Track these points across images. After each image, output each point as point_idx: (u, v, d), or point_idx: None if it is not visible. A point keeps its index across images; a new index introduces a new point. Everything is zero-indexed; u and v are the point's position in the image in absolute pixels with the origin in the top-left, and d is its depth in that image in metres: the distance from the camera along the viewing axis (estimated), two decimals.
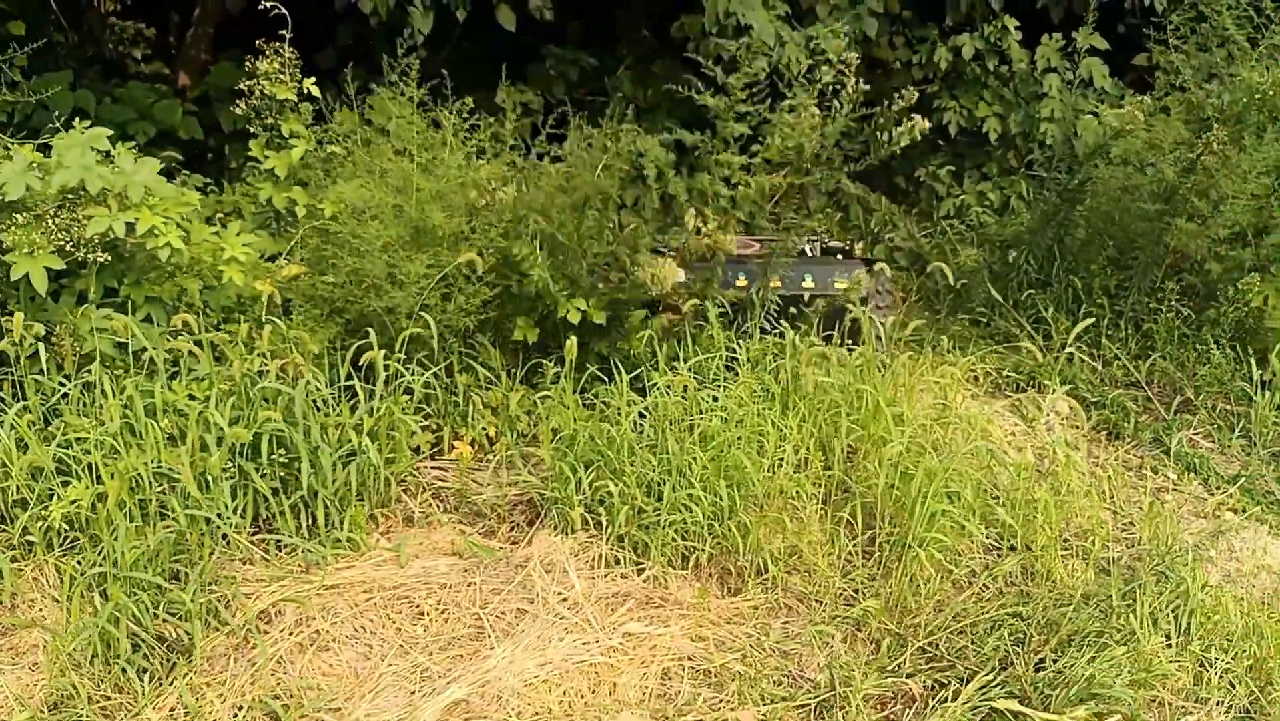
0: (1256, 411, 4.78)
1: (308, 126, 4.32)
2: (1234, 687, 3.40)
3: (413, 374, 4.07)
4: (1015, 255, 6.03)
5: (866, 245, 7.08)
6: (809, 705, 3.35)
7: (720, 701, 3.28)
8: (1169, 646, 3.50)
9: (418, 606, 3.41)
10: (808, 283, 5.15)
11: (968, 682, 3.31)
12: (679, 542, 3.75)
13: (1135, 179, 5.35)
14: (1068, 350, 5.46)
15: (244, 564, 3.53)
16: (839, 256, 5.60)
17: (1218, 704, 3.36)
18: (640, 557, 3.76)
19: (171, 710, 3.04)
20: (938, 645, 3.50)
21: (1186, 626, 3.56)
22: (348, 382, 3.96)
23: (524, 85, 6.86)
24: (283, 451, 3.64)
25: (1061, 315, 5.62)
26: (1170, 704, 3.36)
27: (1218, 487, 4.58)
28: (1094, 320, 5.52)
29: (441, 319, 4.20)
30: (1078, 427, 5.04)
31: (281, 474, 3.66)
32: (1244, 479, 4.60)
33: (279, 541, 3.60)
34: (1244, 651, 3.50)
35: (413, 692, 3.17)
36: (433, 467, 4.17)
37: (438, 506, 3.97)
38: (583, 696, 3.25)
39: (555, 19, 6.14)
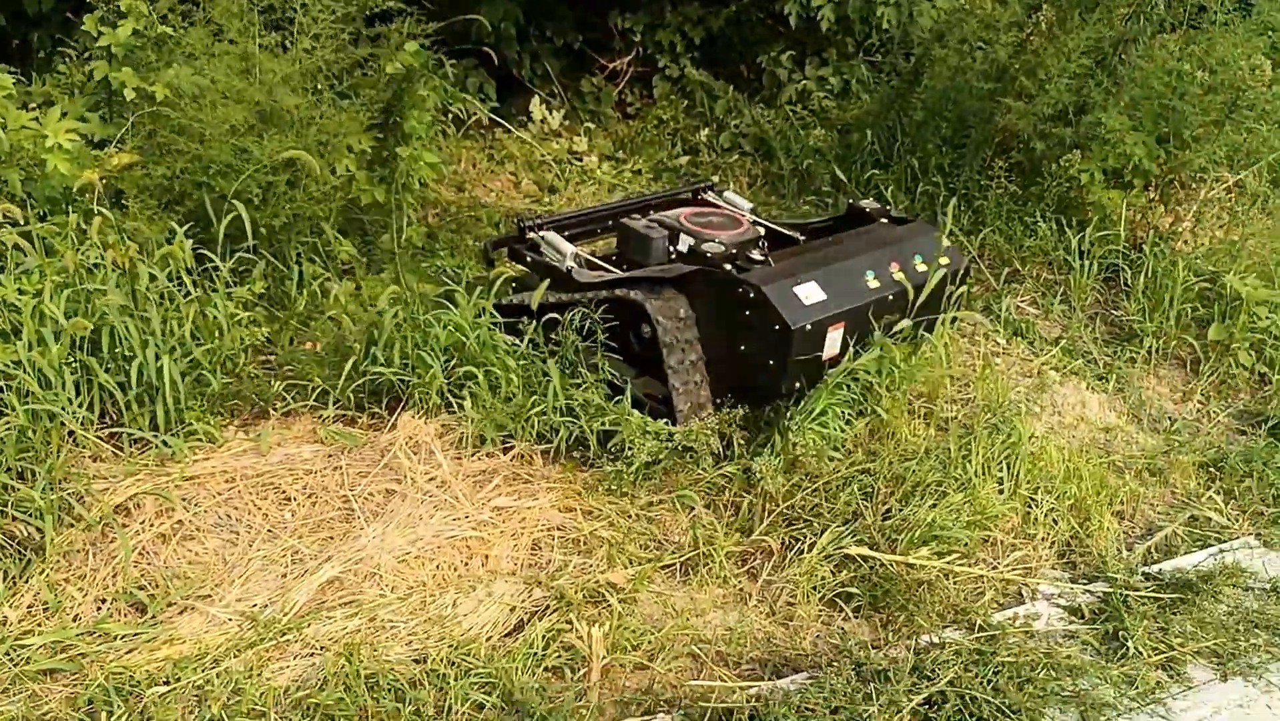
0: (1075, 279, 5.11)
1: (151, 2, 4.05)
2: (1057, 524, 3.71)
3: (258, 266, 3.96)
4: (857, 137, 6.20)
5: (712, 132, 7.15)
6: (675, 564, 3.50)
7: (590, 566, 3.40)
8: (1001, 492, 3.78)
9: (283, 492, 3.39)
10: (920, 265, 4.15)
11: (822, 535, 3.52)
12: (544, 423, 3.80)
13: (969, 61, 5.55)
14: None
15: (95, 460, 3.42)
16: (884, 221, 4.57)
17: (1043, 539, 3.67)
18: (511, 434, 3.80)
19: (30, 607, 2.96)
20: (794, 506, 3.68)
21: (1016, 473, 3.84)
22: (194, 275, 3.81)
23: None
24: (127, 346, 3.50)
25: (900, 193, 5.83)
26: (1002, 541, 3.65)
27: (1042, 349, 4.90)
28: (929, 197, 5.78)
29: (290, 207, 4.08)
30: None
31: (126, 368, 3.53)
32: (1064, 340, 4.94)
33: (131, 436, 3.50)
34: (1066, 493, 3.81)
35: (284, 575, 3.17)
36: (286, 360, 4.08)
37: (295, 398, 3.90)
38: (455, 569, 3.31)
39: None
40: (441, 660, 2.94)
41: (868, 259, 4.04)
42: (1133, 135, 5.16)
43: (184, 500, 3.28)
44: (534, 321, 3.99)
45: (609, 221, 4.75)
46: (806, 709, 2.63)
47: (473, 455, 3.68)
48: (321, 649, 2.94)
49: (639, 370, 3.98)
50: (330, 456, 3.54)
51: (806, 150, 6.41)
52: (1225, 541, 3.79)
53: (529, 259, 4.41)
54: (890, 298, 4.00)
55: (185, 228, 3.81)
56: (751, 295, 3.71)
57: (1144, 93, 5.18)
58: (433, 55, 4.63)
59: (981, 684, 2.77)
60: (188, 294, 3.74)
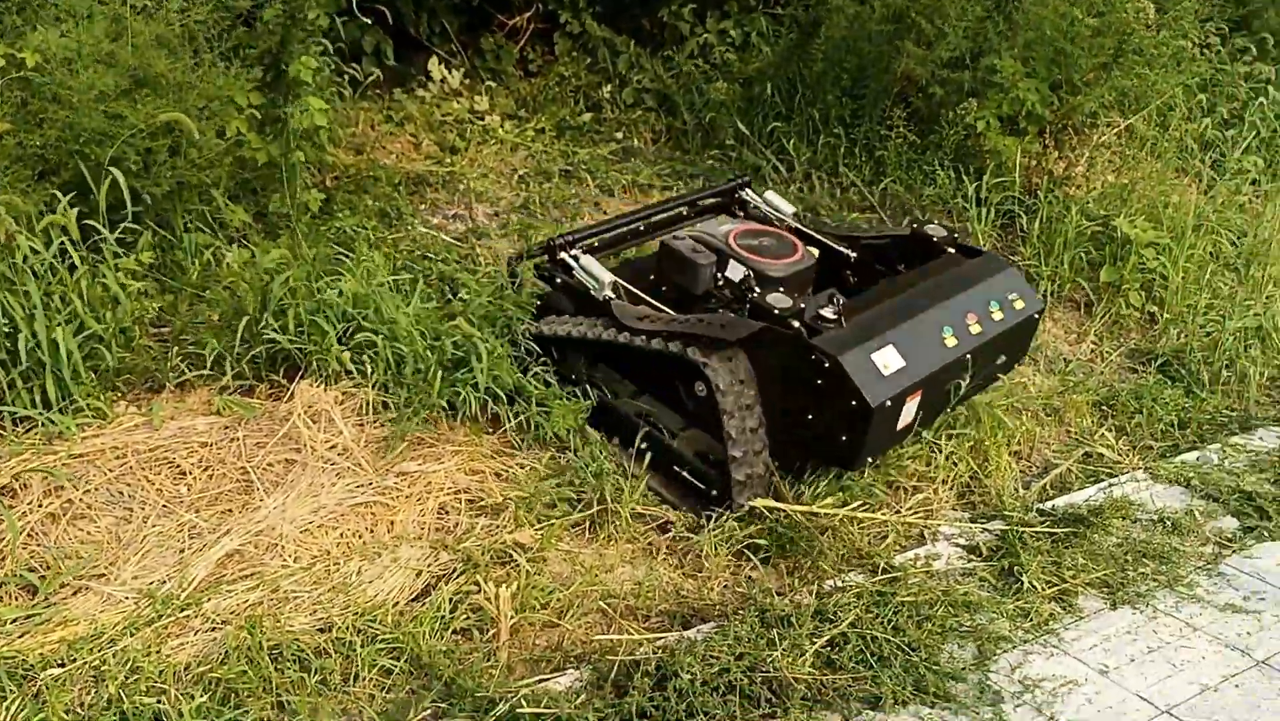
0: (973, 225, 5.19)
1: None
2: (957, 466, 3.79)
3: (144, 235, 3.83)
4: (758, 90, 6.20)
5: (615, 88, 7.09)
6: (583, 522, 3.50)
7: (498, 526, 3.38)
8: None
9: (178, 466, 3.30)
10: (997, 313, 3.73)
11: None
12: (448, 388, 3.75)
13: (866, 9, 5.57)
14: (806, 179, 5.76)
15: None
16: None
17: (943, 481, 3.75)
18: (411, 402, 3.75)
19: None
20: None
21: None
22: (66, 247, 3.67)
23: None
24: (7, 322, 3.37)
25: (802, 145, 5.86)
26: (906, 486, 3.72)
27: None
28: (830, 148, 5.82)
29: (173, 174, 3.95)
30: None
31: (7, 345, 3.40)
32: None
33: (14, 416, 3.37)
34: (966, 436, 3.89)
35: (181, 550, 3.10)
36: (182, 331, 3.96)
37: (190, 368, 3.80)
38: (360, 536, 3.27)
39: None
40: (347, 628, 2.91)
41: (943, 311, 3.59)
42: (1026, 81, 5.24)
43: (73, 478, 3.18)
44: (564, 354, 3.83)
45: (641, 229, 4.38)
46: (712, 656, 2.66)
47: (375, 421, 3.63)
48: (223, 623, 2.88)
49: (687, 423, 3.75)
50: (226, 428, 3.46)
51: (710, 104, 6.39)
52: (1115, 476, 3.91)
53: (558, 280, 4.03)
54: (968, 357, 3.58)
55: (66, 198, 3.66)
56: (827, 365, 3.30)
57: (1037, 36, 5.25)
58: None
59: (881, 624, 2.84)
60: (73, 266, 3.60)
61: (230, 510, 3.22)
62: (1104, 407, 4.40)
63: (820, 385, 3.33)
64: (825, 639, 2.78)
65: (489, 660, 2.92)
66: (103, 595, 2.95)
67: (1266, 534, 3.58)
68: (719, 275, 3.85)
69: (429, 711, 2.75)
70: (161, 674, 2.69)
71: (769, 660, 2.65)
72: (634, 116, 6.83)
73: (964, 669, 2.84)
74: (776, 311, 3.51)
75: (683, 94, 6.76)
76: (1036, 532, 3.45)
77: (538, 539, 3.33)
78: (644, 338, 3.63)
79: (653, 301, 3.85)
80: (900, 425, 3.46)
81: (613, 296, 3.84)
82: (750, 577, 3.32)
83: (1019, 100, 5.25)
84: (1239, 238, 5.17)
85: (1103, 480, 3.90)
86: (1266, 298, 5.07)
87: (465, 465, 3.60)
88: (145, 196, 3.87)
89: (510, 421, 3.74)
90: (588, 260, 3.99)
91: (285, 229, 4.48)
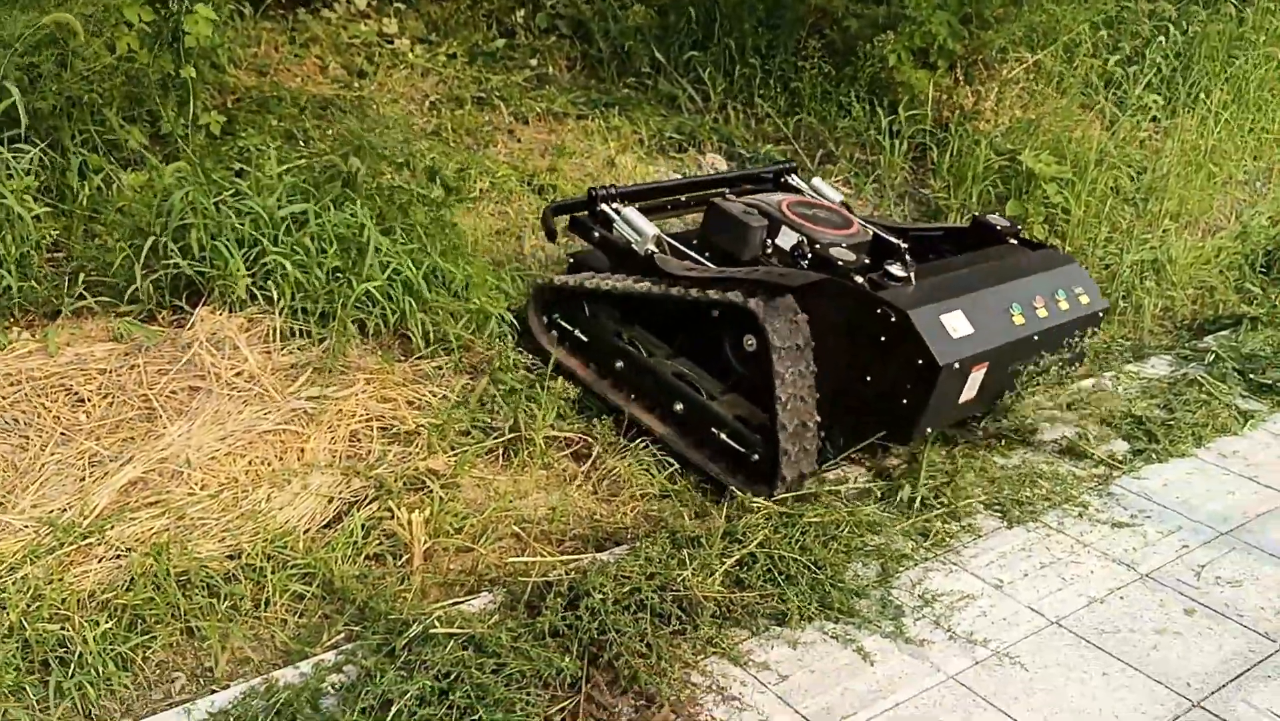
0: (886, 158, 5.25)
1: None
2: None
3: (30, 156, 3.67)
4: (675, 18, 6.14)
5: (528, 13, 6.95)
6: (496, 448, 3.51)
7: (410, 454, 3.37)
8: None
9: (76, 394, 3.21)
10: (1064, 303, 3.60)
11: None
12: (356, 316, 3.69)
13: None
14: (722, 109, 5.75)
15: None
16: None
17: None
18: (319, 329, 3.69)
19: None
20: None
21: None
22: None
23: None
24: None
25: (719, 75, 5.84)
26: None
27: None
28: (745, 79, 5.81)
29: (57, 87, 3.78)
30: None
31: None
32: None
33: None
34: None
35: (82, 478, 3.02)
36: (71, 257, 3.83)
37: (87, 295, 3.68)
38: (269, 464, 3.23)
39: None
40: (258, 554, 2.88)
41: (1012, 289, 3.46)
42: (938, 15, 5.28)
43: None
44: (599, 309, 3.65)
45: (684, 197, 4.20)
46: (624, 576, 2.70)
47: (282, 349, 3.56)
48: (128, 550, 2.83)
49: (728, 385, 3.50)
50: (126, 355, 3.36)
51: (626, 31, 6.31)
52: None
53: (596, 234, 3.81)
54: (1035, 338, 3.44)
55: None
56: (893, 319, 3.11)
57: None
58: None
59: (789, 544, 2.90)
60: None
61: (132, 438, 3.15)
62: None
63: (884, 342, 3.15)
64: (734, 559, 2.83)
65: (403, 584, 2.93)
66: (1, 524, 2.87)
67: (1154, 455, 3.73)
68: (769, 241, 3.63)
69: (341, 635, 2.75)
70: (65, 601, 2.64)
71: (679, 579, 2.69)
72: (548, 43, 6.71)
73: (868, 586, 2.93)
74: (841, 264, 3.37)
75: (597, 20, 6.66)
76: (931, 459, 3.53)
77: (451, 465, 3.32)
78: (691, 287, 3.41)
79: (698, 257, 3.66)
80: (963, 398, 3.31)
81: (655, 250, 3.64)
82: (661, 506, 3.36)
83: (930, 34, 5.30)
84: (1139, 173, 5.32)
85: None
86: (1163, 231, 5.24)
87: (376, 393, 3.56)
88: (26, 112, 3.69)
89: (421, 342, 3.71)
90: (630, 212, 3.77)
91: (184, 151, 4.33)
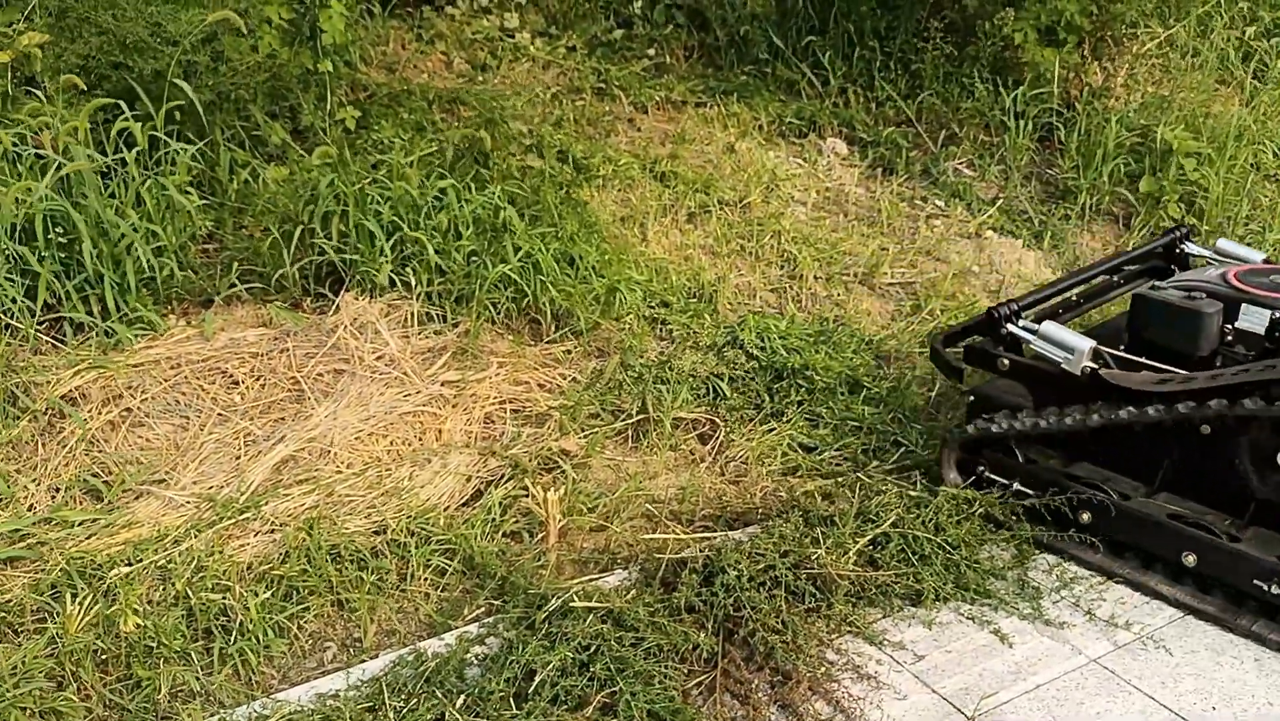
0: (1011, 139, 5.15)
1: None
2: None
3: (189, 151, 3.86)
4: (793, 3, 6.11)
5: (646, 3, 6.99)
6: (626, 429, 3.57)
7: (543, 435, 3.45)
8: None
9: (231, 376, 3.38)
10: None
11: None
12: (491, 298, 3.79)
13: None
14: (842, 93, 5.70)
15: (36, 353, 3.37)
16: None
17: None
18: (454, 314, 3.80)
19: None
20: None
21: None
22: (119, 157, 3.71)
23: None
24: (59, 231, 3.43)
25: (838, 59, 5.79)
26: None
27: (980, 210, 4.97)
28: (865, 62, 5.75)
29: (213, 83, 3.97)
30: (856, 166, 5.32)
31: (62, 256, 3.47)
32: (1001, 200, 5.01)
33: (78, 324, 3.44)
34: None
35: (238, 457, 3.19)
36: (223, 248, 4.02)
37: (238, 283, 3.86)
38: (409, 444, 3.35)
39: None
40: (401, 530, 3.00)
41: None
42: None
43: (131, 387, 3.26)
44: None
45: (1075, 294, 3.65)
46: (757, 554, 2.72)
47: (420, 333, 3.69)
48: (281, 525, 2.98)
49: (1249, 518, 2.85)
50: (276, 339, 3.53)
51: (743, 17, 6.31)
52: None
53: (1006, 362, 3.23)
54: None
55: (120, 114, 3.71)
56: None
57: None
58: None
59: (923, 524, 2.89)
60: (130, 178, 3.65)
61: (283, 418, 3.31)
62: None
63: None
64: (868, 538, 2.84)
65: (539, 561, 3.01)
66: (164, 499, 3.04)
67: None
68: (1228, 326, 3.08)
69: (482, 609, 2.85)
70: (225, 572, 2.79)
71: (813, 557, 2.71)
72: (665, 33, 6.74)
73: (1004, 567, 2.90)
74: None
75: (714, 9, 6.67)
76: None
77: (583, 446, 3.40)
78: (1177, 402, 2.79)
79: (1156, 364, 3.05)
80: None
81: (1094, 366, 3.01)
82: (791, 485, 3.38)
83: (1057, 10, 5.16)
84: None
85: None
86: None
87: (510, 376, 3.66)
88: (194, 109, 3.88)
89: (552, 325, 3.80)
90: (1051, 326, 3.15)
91: (323, 144, 4.50)
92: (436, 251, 3.77)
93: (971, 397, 3.33)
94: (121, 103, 3.77)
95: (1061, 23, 5.25)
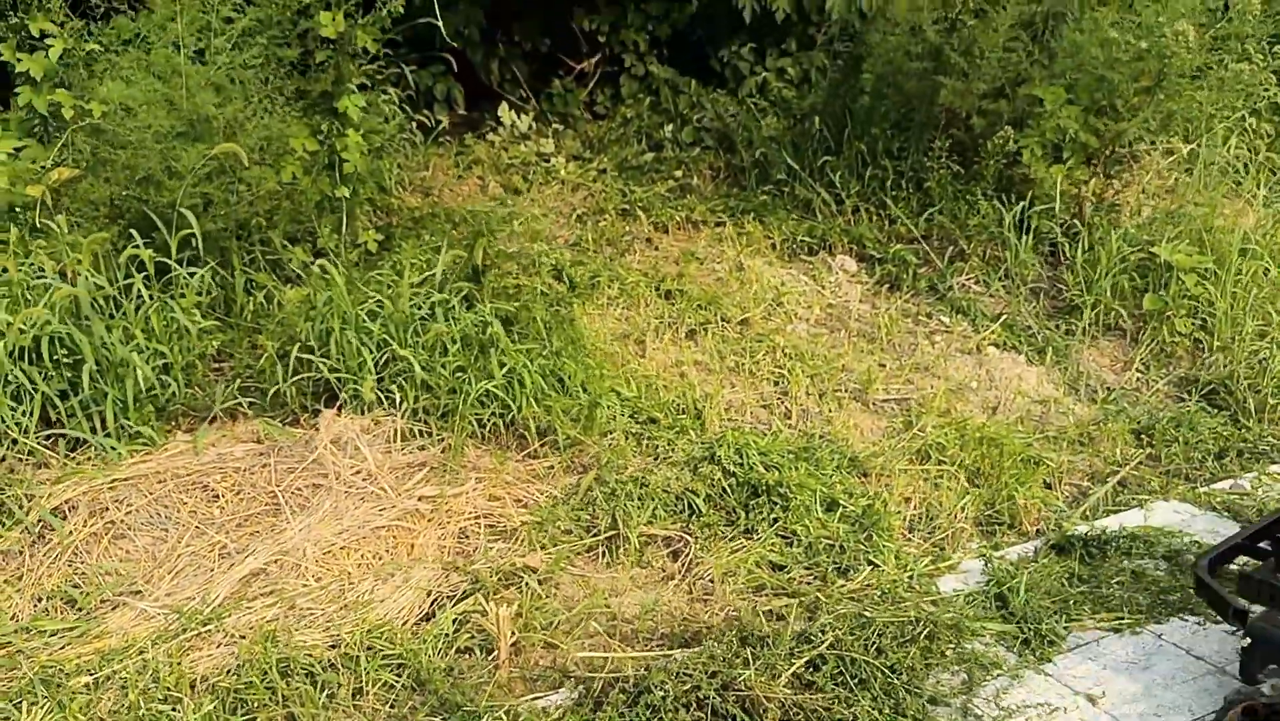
0: (1013, 255, 5.16)
1: (62, 24, 4.21)
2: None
3: (200, 275, 4.11)
4: (809, 125, 6.28)
5: (676, 128, 7.23)
6: (596, 545, 3.61)
7: (510, 550, 3.51)
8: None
9: (212, 490, 3.53)
10: None
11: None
12: (475, 413, 3.91)
13: (904, 43, 5.61)
14: (855, 211, 5.79)
15: (37, 467, 3.57)
16: None
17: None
18: (440, 430, 3.93)
19: None
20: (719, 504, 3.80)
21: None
22: (129, 282, 3.96)
23: None
24: (65, 352, 3.66)
25: (851, 179, 5.91)
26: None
27: (983, 326, 4.97)
28: (878, 181, 5.85)
29: (226, 211, 4.23)
30: (863, 283, 5.38)
31: (69, 375, 3.69)
32: (1005, 316, 5.01)
33: (78, 440, 3.64)
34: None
35: (211, 569, 3.31)
36: (233, 366, 4.22)
37: (244, 402, 4.04)
38: (380, 557, 3.43)
39: None
40: (356, 644, 3.06)
41: None
42: (1068, 108, 5.20)
43: (118, 501, 3.43)
44: None
45: None
46: (685, 674, 2.73)
47: (403, 448, 3.81)
48: (241, 637, 3.07)
49: None
50: (260, 455, 3.68)
51: (762, 140, 6.49)
52: (1144, 505, 3.85)
53: None
54: None
55: (129, 239, 3.97)
56: None
57: (1075, 64, 5.22)
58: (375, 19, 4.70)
59: (863, 645, 2.86)
60: (142, 302, 3.90)
61: (258, 531, 3.43)
62: (1142, 437, 4.32)
63: None
64: (804, 660, 2.81)
65: (490, 678, 3.04)
66: (137, 610, 3.17)
67: None
68: None
69: None
70: (178, 683, 2.88)
71: (741, 679, 2.70)
72: (693, 155, 6.95)
73: (950, 693, 2.85)
74: None
75: (741, 132, 6.87)
76: (1045, 561, 3.41)
77: (547, 562, 3.45)
78: None
79: None
80: None
81: None
82: (755, 603, 3.37)
83: (1059, 129, 5.22)
84: None
85: (1131, 509, 3.84)
86: None
87: (487, 491, 3.74)
88: (200, 236, 4.13)
89: (536, 440, 3.89)
90: None
91: (339, 266, 4.73)
92: (423, 368, 3.92)
93: (1248, 640, 2.66)
94: (135, 231, 4.06)
95: (1066, 139, 5.30)
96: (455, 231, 5.63)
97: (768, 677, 2.74)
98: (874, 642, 2.89)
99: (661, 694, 2.65)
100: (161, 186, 4.07)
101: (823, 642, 2.86)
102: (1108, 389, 4.68)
